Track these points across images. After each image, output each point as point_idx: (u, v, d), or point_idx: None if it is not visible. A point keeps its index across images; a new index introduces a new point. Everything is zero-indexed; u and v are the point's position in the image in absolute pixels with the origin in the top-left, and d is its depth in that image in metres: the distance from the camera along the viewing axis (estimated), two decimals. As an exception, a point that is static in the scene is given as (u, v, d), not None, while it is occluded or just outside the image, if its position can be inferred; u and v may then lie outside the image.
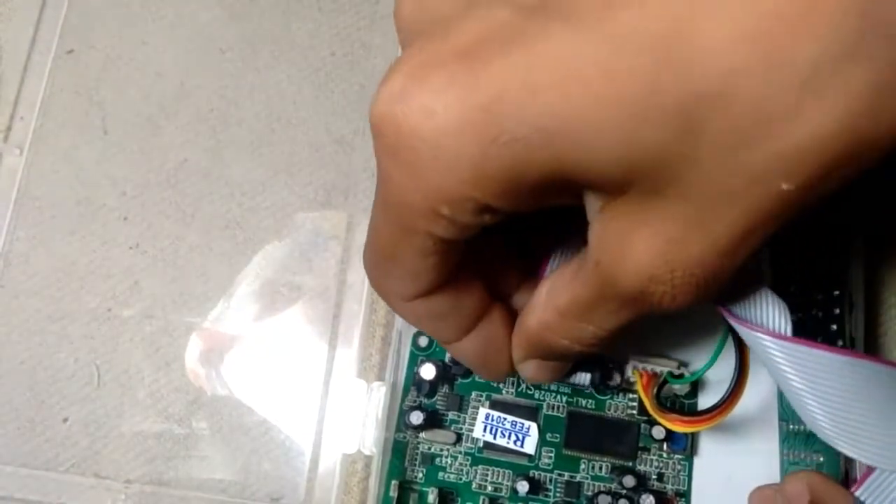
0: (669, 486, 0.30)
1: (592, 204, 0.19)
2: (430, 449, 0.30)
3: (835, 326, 0.29)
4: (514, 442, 0.30)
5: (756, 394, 0.31)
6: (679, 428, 0.28)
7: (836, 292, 0.29)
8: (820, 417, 0.22)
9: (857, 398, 0.21)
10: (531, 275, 0.26)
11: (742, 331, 0.23)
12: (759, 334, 0.22)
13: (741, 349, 0.26)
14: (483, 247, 0.23)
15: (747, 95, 0.15)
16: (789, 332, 0.22)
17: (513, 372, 0.26)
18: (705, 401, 0.31)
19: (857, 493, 0.23)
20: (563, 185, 0.18)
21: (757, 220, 0.17)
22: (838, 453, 0.28)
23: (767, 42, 0.15)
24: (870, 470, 0.23)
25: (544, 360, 0.26)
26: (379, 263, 0.22)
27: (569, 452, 0.30)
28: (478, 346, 0.24)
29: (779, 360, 0.22)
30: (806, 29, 0.15)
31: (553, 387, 0.31)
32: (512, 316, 0.25)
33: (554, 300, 0.22)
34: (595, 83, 0.16)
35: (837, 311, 0.29)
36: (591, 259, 0.20)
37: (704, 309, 0.31)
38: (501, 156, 0.17)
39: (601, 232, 0.19)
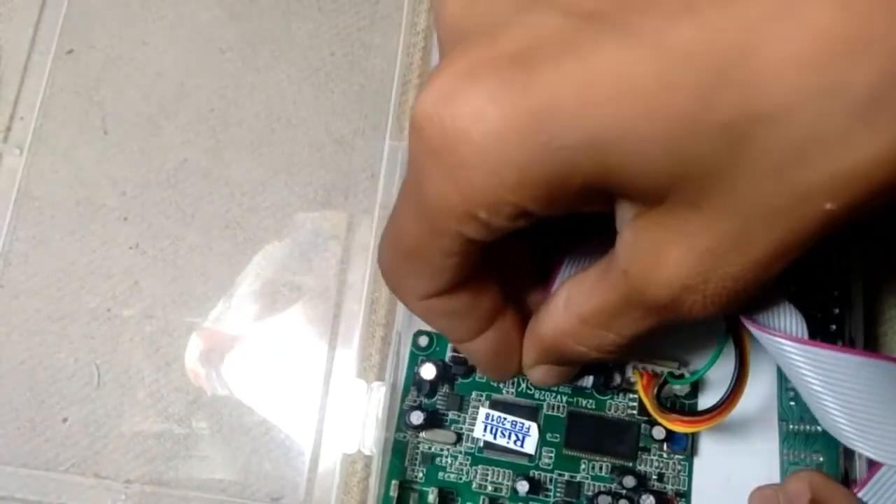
0: (669, 487, 0.30)
1: (625, 212, 0.19)
2: (430, 449, 0.30)
3: (834, 326, 0.29)
4: (515, 442, 0.30)
5: (756, 394, 0.31)
6: (679, 428, 0.28)
7: (836, 292, 0.29)
8: (840, 420, 0.22)
9: (877, 399, 0.22)
10: (543, 277, 0.26)
11: (759, 335, 0.23)
12: (778, 338, 0.22)
13: (741, 350, 0.26)
14: (500, 247, 0.23)
15: (802, 118, 0.15)
16: (806, 336, 0.22)
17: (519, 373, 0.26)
18: (705, 401, 0.31)
19: (860, 494, 0.23)
20: (601, 193, 0.18)
21: (797, 239, 0.17)
22: (838, 453, 0.28)
23: (825, 65, 0.15)
24: (873, 471, 0.23)
25: (555, 365, 0.26)
26: (400, 262, 0.22)
27: (569, 452, 0.30)
28: (490, 346, 0.25)
29: (798, 363, 0.22)
30: (863, 52, 0.15)
31: (553, 387, 0.31)
32: (524, 317, 0.25)
33: (575, 307, 0.22)
34: (649, 96, 0.16)
35: (837, 310, 0.29)
36: (618, 266, 0.20)
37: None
38: (548, 162, 0.17)
39: (632, 240, 0.19)
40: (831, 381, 0.22)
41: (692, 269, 0.18)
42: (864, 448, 0.22)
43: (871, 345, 0.31)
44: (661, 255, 0.18)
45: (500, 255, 0.24)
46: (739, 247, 0.18)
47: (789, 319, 0.22)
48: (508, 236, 0.21)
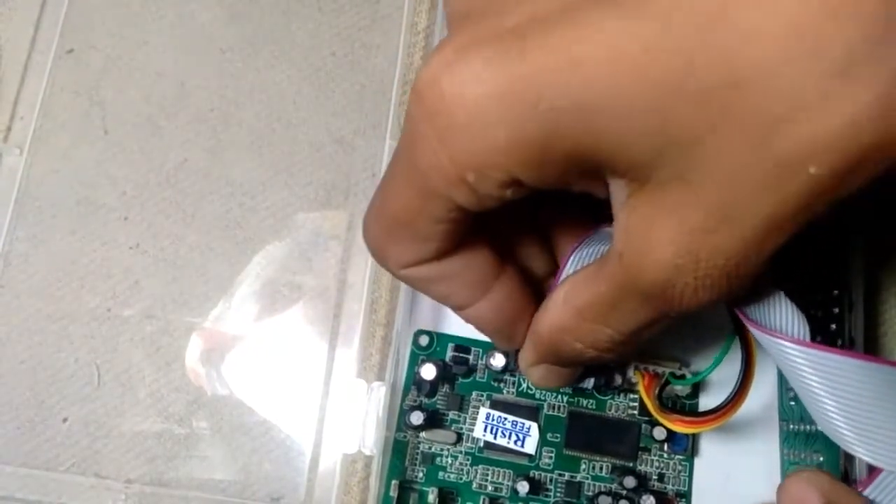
0: (670, 487, 0.30)
1: (619, 193, 0.19)
2: (430, 449, 0.30)
3: (834, 326, 0.29)
4: (515, 442, 0.30)
5: (757, 395, 0.31)
6: (681, 429, 0.28)
7: (836, 292, 0.29)
8: (840, 423, 0.22)
9: (877, 404, 0.21)
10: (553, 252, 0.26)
11: (760, 336, 0.23)
12: (780, 340, 0.22)
13: (748, 352, 0.26)
14: (507, 220, 0.24)
15: (781, 82, 0.16)
16: (807, 338, 0.22)
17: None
18: (707, 402, 0.31)
19: (864, 493, 0.23)
20: (590, 166, 0.18)
21: (785, 210, 0.17)
22: (838, 453, 0.28)
23: (803, 28, 0.15)
24: (876, 472, 0.23)
25: (554, 366, 0.26)
26: (387, 229, 0.22)
27: (569, 452, 0.30)
28: (491, 311, 0.24)
29: (799, 365, 0.22)
30: (839, 15, 0.15)
31: (554, 389, 0.31)
32: (529, 282, 0.25)
33: (572, 300, 0.22)
34: (633, 61, 0.16)
35: (837, 310, 0.29)
36: (615, 252, 0.20)
37: (709, 311, 0.32)
38: (537, 123, 0.17)
39: (626, 222, 0.19)
40: (832, 383, 0.21)
41: (682, 246, 0.18)
42: (862, 453, 0.22)
43: (871, 344, 0.31)
44: (653, 235, 0.18)
45: (502, 224, 0.24)
46: (728, 221, 0.18)
47: (791, 320, 0.22)
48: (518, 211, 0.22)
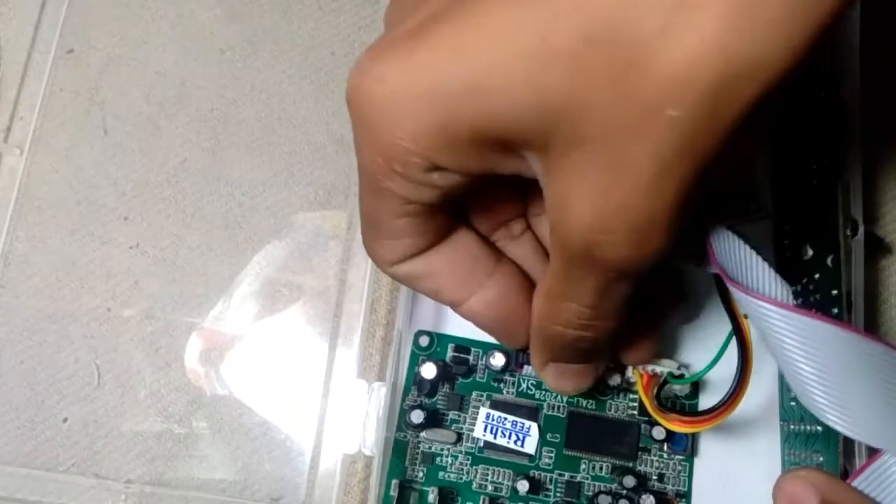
0: (670, 487, 0.30)
1: (537, 169, 0.20)
2: (430, 448, 0.30)
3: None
4: (515, 442, 0.30)
5: (756, 395, 0.31)
6: (679, 428, 0.28)
7: (836, 292, 0.29)
8: (813, 388, 0.22)
9: (852, 373, 0.22)
10: None
11: (742, 297, 0.23)
12: (761, 301, 0.22)
13: (744, 350, 0.26)
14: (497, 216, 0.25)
15: (629, 25, 0.16)
16: (791, 302, 0.22)
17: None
18: (706, 401, 0.31)
19: (853, 483, 0.23)
20: (497, 145, 0.20)
21: (664, 155, 0.18)
22: (837, 453, 0.28)
23: None
24: (868, 462, 0.23)
25: (561, 363, 0.26)
26: (366, 231, 0.24)
27: (569, 452, 0.30)
28: (484, 306, 0.25)
29: (778, 327, 0.22)
30: None
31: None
32: (528, 277, 0.26)
33: (541, 286, 0.24)
34: (508, 37, 0.18)
35: (836, 310, 0.29)
36: (550, 227, 0.21)
37: (707, 310, 0.32)
38: (436, 110, 0.19)
39: (546, 194, 0.20)
40: (809, 348, 0.22)
41: (591, 206, 0.19)
42: (834, 420, 0.22)
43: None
44: (567, 201, 0.20)
45: (494, 220, 0.26)
46: (618, 173, 0.18)
47: (775, 287, 0.23)
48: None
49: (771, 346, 0.23)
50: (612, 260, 0.20)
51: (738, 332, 0.25)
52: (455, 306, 0.26)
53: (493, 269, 0.25)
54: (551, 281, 0.23)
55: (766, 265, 0.23)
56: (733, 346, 0.26)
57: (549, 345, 0.25)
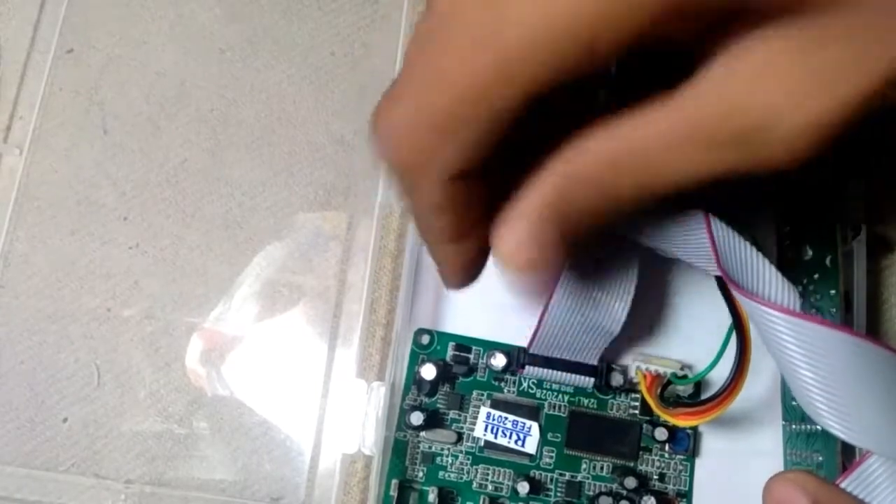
0: (671, 487, 0.30)
1: (721, 45, 0.18)
2: (430, 448, 0.30)
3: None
4: (515, 441, 0.30)
5: (757, 395, 0.31)
6: (685, 422, 0.28)
7: (834, 292, 0.29)
8: (815, 394, 0.22)
9: (855, 379, 0.22)
10: None
11: (746, 303, 0.23)
12: (764, 307, 0.22)
13: (742, 337, 0.26)
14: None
15: None
16: (797, 308, 0.22)
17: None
18: (707, 401, 0.31)
19: (842, 485, 0.23)
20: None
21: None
22: (836, 453, 0.28)
23: None
24: (856, 463, 0.23)
25: (548, 236, 0.21)
26: (433, 127, 0.19)
27: (570, 452, 0.30)
28: (460, 259, 0.22)
29: (781, 333, 0.22)
30: None
31: (555, 386, 0.31)
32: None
33: (630, 131, 0.19)
34: None
35: (835, 310, 0.29)
36: (690, 95, 0.18)
37: (707, 311, 0.32)
38: None
39: (728, 66, 0.18)
40: (812, 354, 0.22)
41: (801, 86, 0.17)
42: (832, 425, 0.22)
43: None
44: (763, 78, 0.17)
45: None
46: (857, 65, 0.17)
47: (782, 291, 0.22)
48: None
49: (772, 349, 0.23)
50: (773, 151, 0.18)
51: (736, 317, 0.25)
52: (436, 244, 0.22)
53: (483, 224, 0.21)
54: (663, 132, 0.19)
55: (772, 268, 0.23)
56: (733, 346, 0.26)
57: (564, 208, 0.20)
